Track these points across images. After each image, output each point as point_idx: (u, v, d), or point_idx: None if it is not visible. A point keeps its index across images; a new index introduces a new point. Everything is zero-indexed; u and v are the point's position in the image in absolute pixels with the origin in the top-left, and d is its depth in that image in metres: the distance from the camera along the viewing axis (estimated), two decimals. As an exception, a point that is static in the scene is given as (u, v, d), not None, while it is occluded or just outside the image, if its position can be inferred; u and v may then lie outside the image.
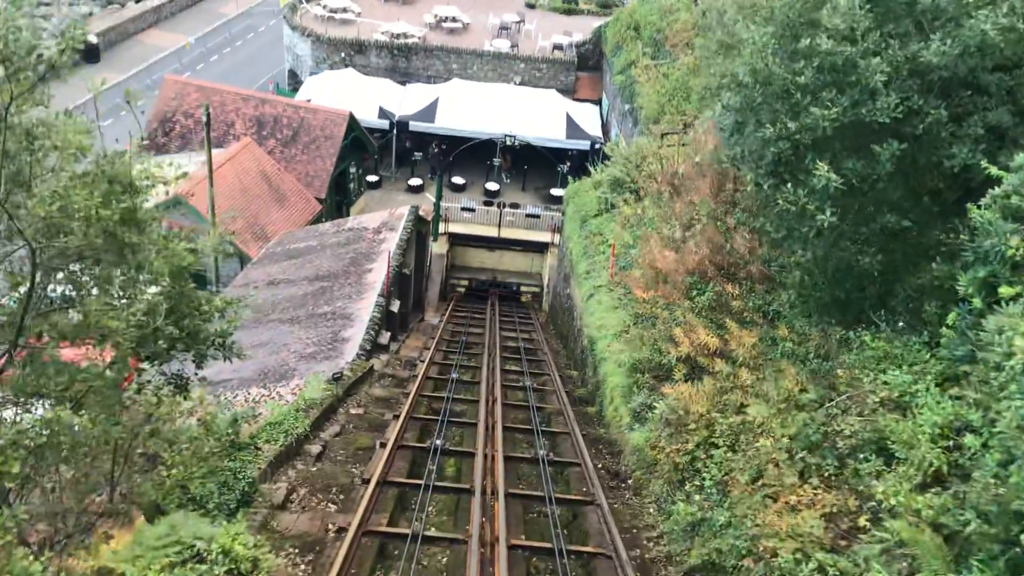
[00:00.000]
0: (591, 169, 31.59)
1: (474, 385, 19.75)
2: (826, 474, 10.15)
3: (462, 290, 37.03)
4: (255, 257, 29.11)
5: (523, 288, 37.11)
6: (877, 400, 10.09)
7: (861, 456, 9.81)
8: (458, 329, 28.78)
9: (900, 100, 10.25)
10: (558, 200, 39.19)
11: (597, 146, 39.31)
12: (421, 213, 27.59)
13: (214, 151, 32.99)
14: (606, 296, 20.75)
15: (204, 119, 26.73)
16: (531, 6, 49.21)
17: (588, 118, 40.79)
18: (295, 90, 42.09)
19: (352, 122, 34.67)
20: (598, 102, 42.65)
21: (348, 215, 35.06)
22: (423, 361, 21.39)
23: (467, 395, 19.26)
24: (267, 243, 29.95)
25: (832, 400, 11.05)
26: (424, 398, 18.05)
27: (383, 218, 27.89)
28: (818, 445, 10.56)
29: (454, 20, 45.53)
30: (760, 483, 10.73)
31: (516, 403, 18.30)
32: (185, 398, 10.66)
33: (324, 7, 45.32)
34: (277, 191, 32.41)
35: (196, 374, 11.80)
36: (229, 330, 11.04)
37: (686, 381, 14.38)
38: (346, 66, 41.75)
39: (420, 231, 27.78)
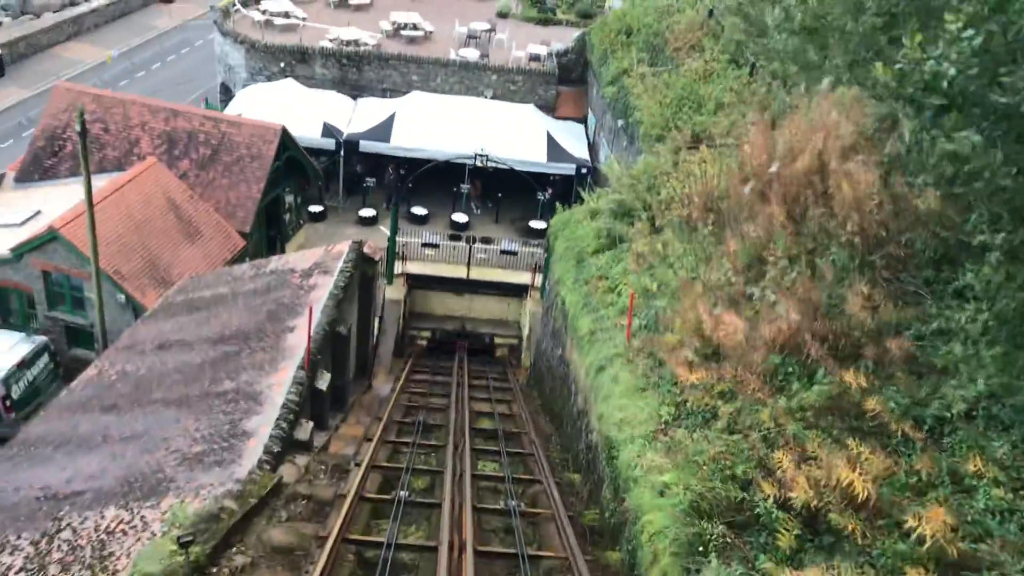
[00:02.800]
0: (583, 195, 25.32)
1: (433, 510, 13.17)
2: None
3: (423, 343, 30.44)
4: (151, 308, 22.40)
5: (498, 340, 30.59)
6: None
7: None
8: (415, 402, 22.19)
9: None
10: (539, 234, 32.83)
11: (584, 170, 33.10)
12: (367, 250, 21.11)
13: (111, 175, 26.40)
14: (625, 371, 14.28)
15: (78, 129, 20.10)
16: (503, 15, 43.23)
17: (572, 138, 34.62)
18: (226, 106, 35.55)
19: (286, 138, 28.17)
20: (583, 120, 36.52)
21: (284, 253, 28.44)
22: (359, 464, 14.81)
23: (421, 531, 12.71)
24: (169, 290, 23.25)
25: None
26: (352, 546, 11.47)
27: (316, 257, 21.32)
28: None
29: (415, 28, 39.36)
30: None
31: (497, 550, 11.73)
32: None
33: (263, 11, 38.96)
34: (188, 223, 25.73)
35: None
36: None
37: (803, 551, 7.96)
38: (286, 76, 35.30)
39: (365, 273, 21.25)
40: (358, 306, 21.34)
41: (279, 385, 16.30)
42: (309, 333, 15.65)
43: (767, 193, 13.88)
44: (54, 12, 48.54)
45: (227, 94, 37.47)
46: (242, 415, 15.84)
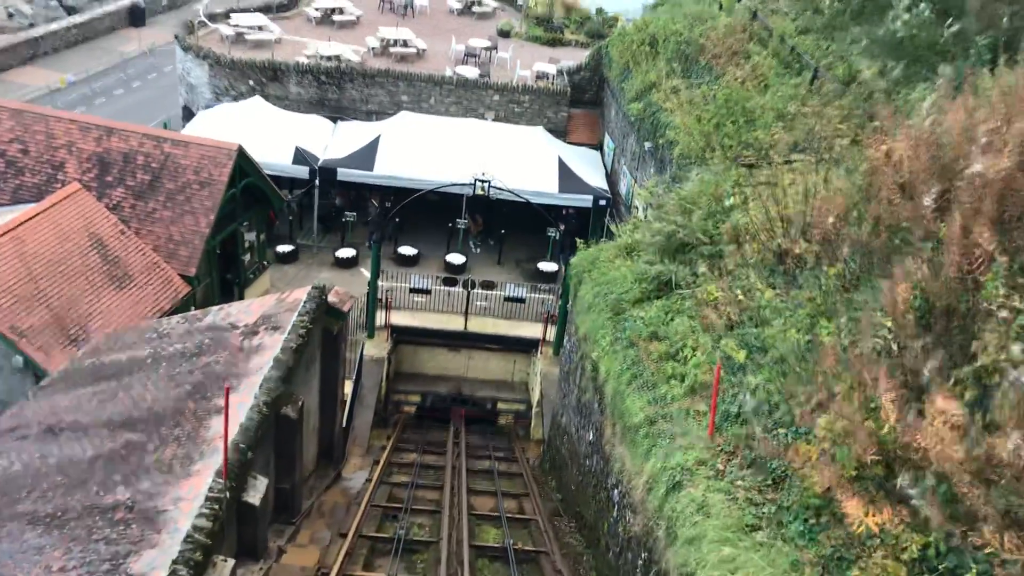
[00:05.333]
0: (613, 228, 20.26)
1: None
2: None
3: (411, 410, 25.11)
4: (52, 375, 17.13)
5: (502, 406, 25.27)
6: None
7: None
8: (397, 498, 16.89)
9: None
10: (549, 277, 27.71)
11: (603, 201, 28.03)
12: (332, 298, 15.92)
13: (23, 206, 21.27)
14: (718, 493, 9.02)
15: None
16: (504, 34, 38.52)
17: (588, 165, 29.63)
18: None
19: (243, 161, 23.07)
20: (599, 147, 31.57)
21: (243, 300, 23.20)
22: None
23: None
24: (79, 351, 17.99)
25: None
26: None
27: (265, 308, 16.10)
28: None
29: (406, 44, 34.58)
30: None
31: None
32: None
33: (233, 26, 34.18)
34: (116, 265, 20.53)
35: None
36: None
37: None
38: (254, 95, 30.40)
39: (329, 329, 16.01)
40: (320, 373, 16.07)
41: (188, 501, 11.03)
42: (226, 428, 10.35)
43: (948, 208, 8.74)
44: (9, 34, 43.81)
45: (190, 118, 32.51)
46: (130, 546, 10.65)
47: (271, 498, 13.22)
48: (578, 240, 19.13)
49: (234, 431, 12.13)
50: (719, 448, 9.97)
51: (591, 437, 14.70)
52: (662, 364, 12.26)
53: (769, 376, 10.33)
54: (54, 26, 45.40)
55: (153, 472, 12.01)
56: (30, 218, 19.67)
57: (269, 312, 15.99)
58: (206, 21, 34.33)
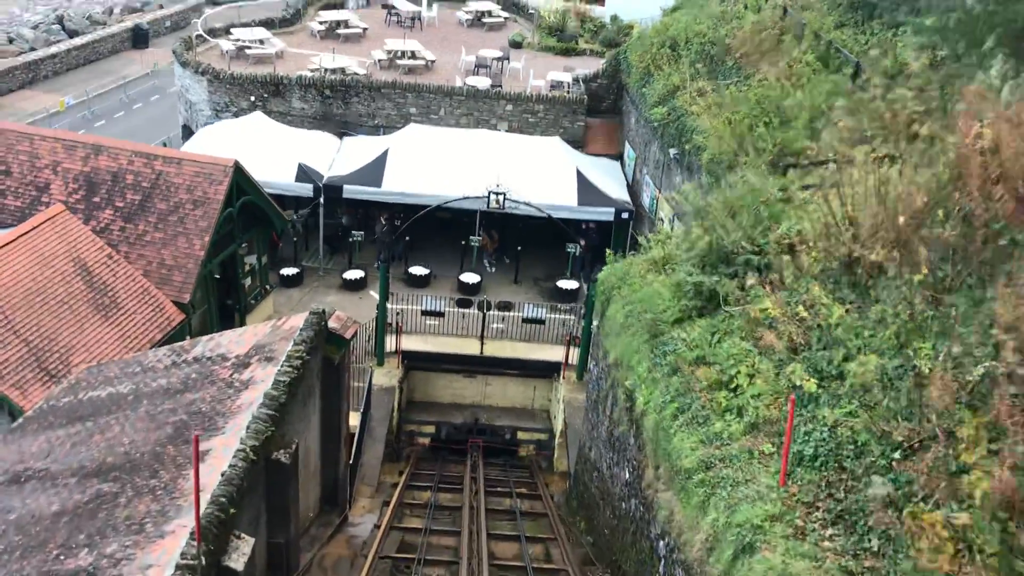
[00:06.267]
0: (640, 240, 18.50)
1: None
2: None
3: (425, 442, 23.37)
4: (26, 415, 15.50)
5: (522, 435, 23.49)
6: None
7: None
8: (408, 546, 15.12)
9: None
10: (569, 296, 25.97)
11: (625, 214, 26.32)
12: (333, 324, 14.25)
13: (4, 231, 19.75)
14: (801, 560, 7.21)
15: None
16: (516, 44, 36.97)
17: (608, 177, 27.93)
18: (184, 149, 29.06)
19: (240, 178, 21.49)
20: (618, 157, 29.90)
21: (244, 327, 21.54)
22: None
23: None
24: (58, 387, 16.34)
25: None
26: None
27: (259, 337, 14.44)
28: None
29: (413, 56, 33.08)
30: None
31: None
32: None
33: (234, 40, 32.80)
34: (102, 293, 18.94)
35: None
36: None
37: None
38: (256, 111, 28.91)
39: (330, 359, 14.31)
40: (320, 408, 14.36)
41: (158, 567, 9.35)
42: (196, 482, 8.61)
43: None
44: (9, 58, 42.71)
45: (190, 137, 31.06)
46: (87, 627, 8.94)
47: (262, 557, 11.49)
48: (608, 252, 17.37)
49: (215, 482, 10.44)
50: (794, 498, 8.19)
51: (627, 476, 12.90)
52: (713, 394, 10.49)
53: (851, 410, 8.55)
54: (54, 49, 44.33)
55: (122, 531, 10.31)
56: (7, 243, 18.12)
57: (263, 341, 14.32)
58: (205, 36, 32.98)
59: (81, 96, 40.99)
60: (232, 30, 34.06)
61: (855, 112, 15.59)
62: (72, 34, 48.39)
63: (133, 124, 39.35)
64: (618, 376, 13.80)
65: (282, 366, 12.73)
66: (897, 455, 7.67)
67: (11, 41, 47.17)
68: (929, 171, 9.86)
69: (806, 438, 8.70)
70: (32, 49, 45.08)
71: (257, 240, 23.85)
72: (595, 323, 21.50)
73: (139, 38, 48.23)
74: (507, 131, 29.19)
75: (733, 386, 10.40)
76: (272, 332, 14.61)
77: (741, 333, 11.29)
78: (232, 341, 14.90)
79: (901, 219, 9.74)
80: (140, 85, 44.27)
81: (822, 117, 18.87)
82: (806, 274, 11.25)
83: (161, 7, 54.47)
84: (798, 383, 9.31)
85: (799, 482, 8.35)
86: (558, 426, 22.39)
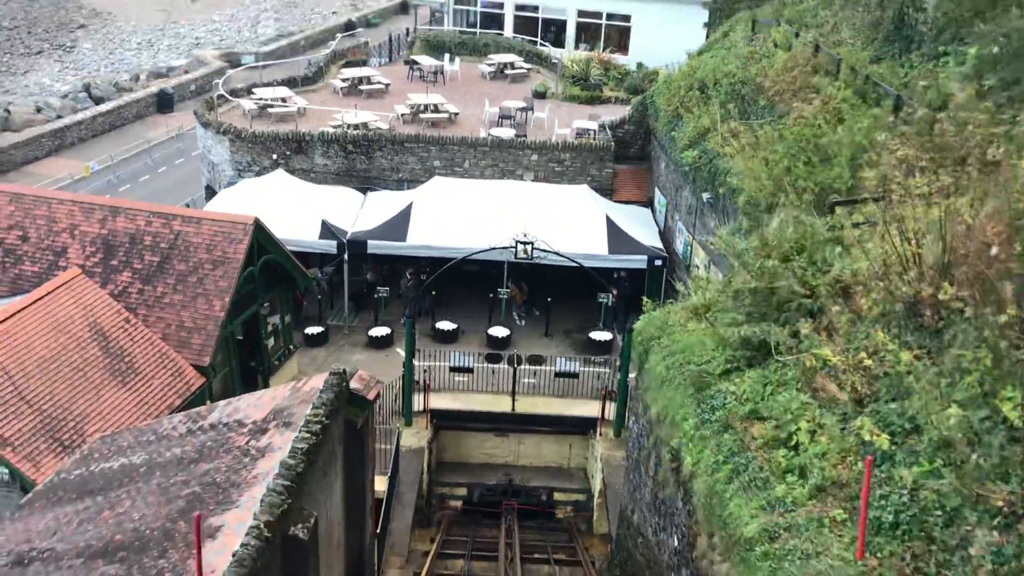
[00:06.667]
0: (678, 287, 17.64)
1: None
2: None
3: (457, 505, 22.32)
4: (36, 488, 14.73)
5: (558, 496, 22.39)
6: None
7: None
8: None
9: None
10: (603, 348, 25.01)
11: (658, 262, 25.43)
12: (355, 384, 13.42)
13: (21, 298, 19.22)
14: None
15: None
16: (540, 95, 36.57)
17: (639, 224, 27.13)
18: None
19: (261, 236, 20.91)
20: (648, 204, 29.11)
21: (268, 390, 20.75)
22: None
23: None
24: (70, 459, 15.59)
25: None
26: None
27: (278, 400, 13.63)
28: None
29: (437, 109, 32.71)
30: None
31: None
32: None
33: (256, 100, 32.63)
34: (119, 358, 18.28)
35: None
36: None
37: None
38: (278, 169, 28.51)
39: (352, 422, 13.44)
40: (343, 474, 13.45)
41: (160, 664, 8.42)
42: (199, 567, 7.71)
43: None
44: (15, 131, 42.97)
45: (212, 198, 30.74)
46: None
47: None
48: (644, 301, 16.45)
49: (226, 563, 9.54)
50: (876, 573, 7.14)
51: (676, 544, 11.83)
52: (771, 453, 9.49)
53: (933, 469, 7.52)
54: (80, 116, 44.63)
55: (125, 622, 9.43)
56: (21, 309, 17.54)
57: (282, 405, 13.49)
58: (227, 96, 32.84)
59: (106, 161, 41.04)
60: (254, 90, 33.95)
61: (906, 144, 14.73)
62: (98, 101, 48.84)
63: (158, 187, 39.27)
64: (661, 433, 12.80)
65: (300, 432, 11.87)
66: (997, 522, 6.63)
67: (39, 110, 47.66)
68: (1003, 199, 8.92)
69: (883, 502, 7.68)
70: (59, 117, 45.42)
71: (280, 299, 23.20)
72: (632, 376, 20.55)
73: (164, 103, 48.51)
74: (533, 181, 28.54)
75: (793, 443, 9.40)
76: (291, 395, 13.78)
77: (797, 384, 10.32)
78: (250, 405, 14.08)
79: (976, 253, 8.80)
80: (165, 148, 44.36)
81: (864, 153, 18.10)
82: (866, 318, 10.29)
83: (187, 72, 54.97)
84: (868, 439, 8.30)
85: (879, 554, 7.32)
86: (596, 486, 21.29)
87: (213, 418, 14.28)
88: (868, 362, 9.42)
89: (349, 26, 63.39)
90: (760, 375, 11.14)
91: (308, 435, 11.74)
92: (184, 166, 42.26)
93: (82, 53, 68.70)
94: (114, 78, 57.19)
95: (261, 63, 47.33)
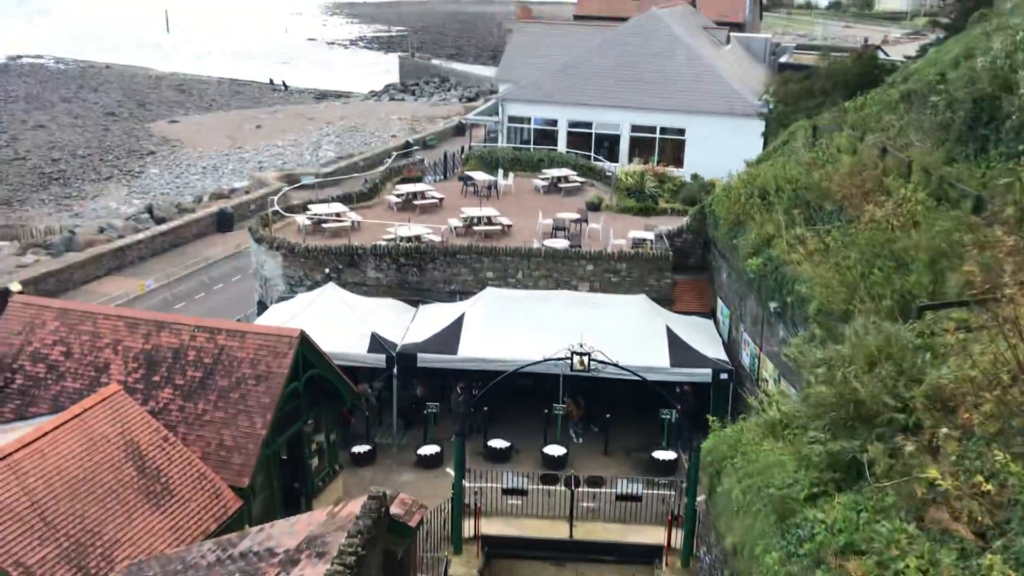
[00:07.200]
0: (750, 401, 16.30)
1: None
2: None
3: (512, 643, 20.56)
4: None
5: (623, 634, 20.51)
6: None
7: None
8: None
9: None
10: (667, 468, 23.46)
11: (724, 375, 24.03)
12: (396, 509, 12.24)
13: (49, 417, 18.56)
14: None
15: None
16: (594, 207, 36.06)
17: (701, 335, 25.87)
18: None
19: (306, 349, 20.16)
20: (710, 315, 27.89)
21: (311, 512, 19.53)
22: None
23: None
24: (94, 589, 14.52)
25: None
26: None
27: (313, 527, 12.49)
28: None
29: (490, 222, 32.28)
30: None
31: None
32: None
33: (311, 216, 32.60)
34: (154, 479, 17.36)
35: None
36: None
37: None
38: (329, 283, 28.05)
39: (392, 553, 12.19)
40: (382, 613, 12.14)
41: None
42: None
43: None
44: (76, 251, 43.70)
45: (263, 313, 30.36)
46: None
47: None
48: (709, 419, 15.13)
49: None
50: None
51: None
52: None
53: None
54: (139, 236, 45.32)
55: None
56: (56, 427, 16.82)
57: (317, 532, 12.33)
58: (281, 212, 32.86)
59: (163, 279, 41.30)
60: (309, 206, 33.99)
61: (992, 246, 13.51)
62: (160, 221, 49.71)
63: (213, 304, 39.22)
64: (739, 567, 11.31)
65: (333, 564, 10.68)
66: None
67: (102, 231, 48.62)
68: None
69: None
70: (120, 237, 46.19)
71: (325, 416, 22.26)
72: (700, 499, 18.96)
73: (223, 222, 49.19)
74: (589, 291, 27.60)
75: (901, 587, 7.93)
76: (327, 521, 12.63)
77: (900, 512, 8.88)
78: (283, 533, 12.94)
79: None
80: (222, 267, 44.65)
81: (944, 257, 16.91)
82: (977, 434, 8.91)
83: (247, 193, 56.03)
84: (1002, 582, 6.86)
85: None
86: (664, 623, 19.44)
87: (244, 546, 13.15)
88: (987, 487, 8.01)
89: (407, 147, 64.50)
90: (853, 500, 9.72)
91: (342, 568, 10.54)
92: (240, 283, 42.30)
93: (149, 178, 70.81)
94: (177, 199, 58.52)
95: (318, 180, 47.94)
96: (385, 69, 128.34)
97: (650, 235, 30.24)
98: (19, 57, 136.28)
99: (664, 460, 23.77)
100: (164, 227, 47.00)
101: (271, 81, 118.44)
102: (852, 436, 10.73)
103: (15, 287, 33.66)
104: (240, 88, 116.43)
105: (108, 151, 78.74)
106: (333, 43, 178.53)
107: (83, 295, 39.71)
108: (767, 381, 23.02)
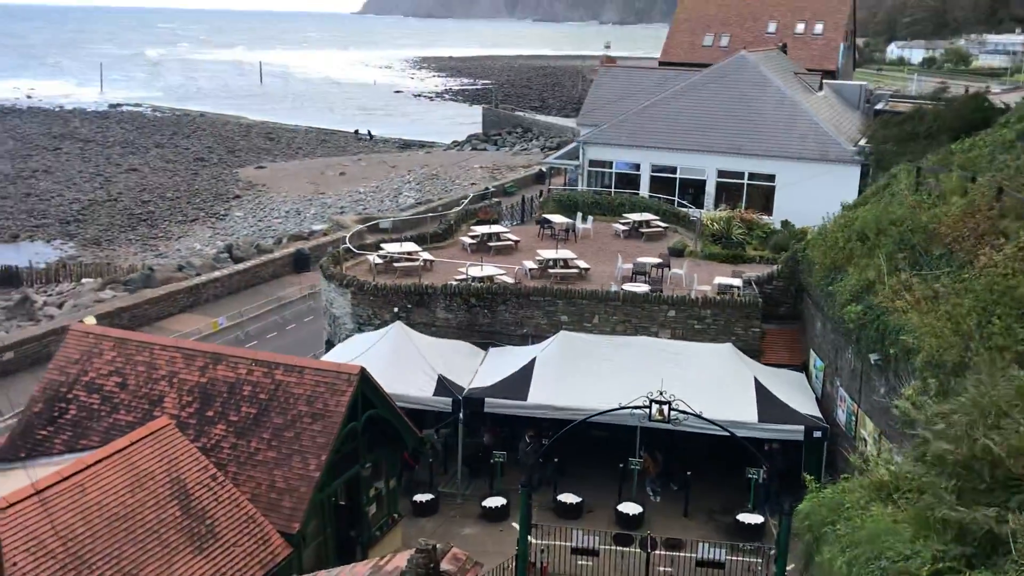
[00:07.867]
0: (851, 459, 14.43)
1: None
2: None
3: None
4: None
5: None
6: None
7: None
8: None
9: None
10: (753, 533, 21.43)
11: (817, 433, 22.01)
12: (448, 566, 10.82)
13: (84, 453, 17.72)
14: None
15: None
16: (677, 252, 34.40)
17: (792, 389, 23.90)
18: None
19: (366, 388, 18.98)
20: (802, 368, 25.87)
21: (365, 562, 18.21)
22: None
23: None
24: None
25: None
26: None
27: (354, 582, 11.14)
28: None
29: (566, 265, 30.94)
30: None
31: None
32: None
33: (383, 255, 31.80)
34: (199, 520, 16.28)
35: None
36: None
37: None
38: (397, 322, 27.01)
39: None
40: None
41: None
42: None
43: None
44: (173, 284, 43.89)
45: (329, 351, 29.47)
46: None
47: None
48: (806, 478, 13.35)
49: None
50: None
51: None
52: None
53: None
54: (216, 274, 45.38)
55: None
56: (99, 460, 15.93)
57: (357, 588, 10.95)
58: (353, 250, 32.15)
59: (236, 317, 41.04)
60: (382, 245, 33.25)
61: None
62: (238, 261, 49.83)
63: (284, 343, 38.68)
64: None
65: (370, 628, 9.28)
66: None
67: (180, 268, 48.94)
68: None
69: None
70: (197, 275, 46.33)
71: (386, 461, 21.01)
72: (789, 567, 17.07)
73: (300, 262, 49.04)
74: (670, 338, 25.91)
75: None
76: (371, 575, 11.25)
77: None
78: (323, 586, 11.62)
79: None
80: (296, 306, 44.29)
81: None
82: None
83: (326, 235, 56.03)
84: None
85: None
86: None
87: (279, 600, 11.81)
88: None
89: (485, 192, 63.99)
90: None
91: (378, 633, 9.13)
92: (312, 324, 41.76)
93: (233, 220, 71.82)
94: (258, 241, 58.90)
95: (395, 222, 47.52)
96: (469, 120, 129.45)
97: (738, 281, 28.46)
98: (119, 105, 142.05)
99: (750, 524, 21.75)
100: (241, 266, 47.02)
101: (356, 131, 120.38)
102: (989, 502, 8.95)
103: (90, 321, 33.60)
104: (327, 137, 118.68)
105: (196, 194, 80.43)
106: (419, 95, 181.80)
107: (155, 331, 39.54)
108: (865, 441, 20.96)
